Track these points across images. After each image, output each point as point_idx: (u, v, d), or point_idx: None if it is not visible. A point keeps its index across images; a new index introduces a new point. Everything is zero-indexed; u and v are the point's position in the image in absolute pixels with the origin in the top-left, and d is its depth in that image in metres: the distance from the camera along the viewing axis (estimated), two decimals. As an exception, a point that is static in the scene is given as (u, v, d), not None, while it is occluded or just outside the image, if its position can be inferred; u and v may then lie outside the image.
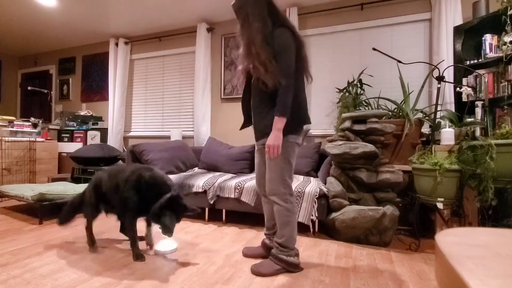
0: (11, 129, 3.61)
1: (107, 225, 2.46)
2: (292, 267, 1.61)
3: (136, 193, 1.74)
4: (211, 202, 2.57)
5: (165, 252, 1.88)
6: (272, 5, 1.57)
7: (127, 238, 2.02)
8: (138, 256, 1.77)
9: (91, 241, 1.94)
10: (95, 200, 1.89)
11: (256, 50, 1.48)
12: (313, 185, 2.38)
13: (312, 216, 2.24)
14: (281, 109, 1.47)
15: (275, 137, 1.49)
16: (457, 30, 2.64)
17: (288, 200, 1.60)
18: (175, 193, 1.68)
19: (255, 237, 2.25)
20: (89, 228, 1.94)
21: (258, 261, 1.73)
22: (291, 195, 1.61)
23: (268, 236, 1.81)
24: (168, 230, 1.64)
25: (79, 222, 2.50)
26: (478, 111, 2.35)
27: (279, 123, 1.48)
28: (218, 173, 2.99)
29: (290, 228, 1.59)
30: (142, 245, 1.97)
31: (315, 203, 2.24)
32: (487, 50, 2.34)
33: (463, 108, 2.46)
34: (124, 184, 1.77)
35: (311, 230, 2.28)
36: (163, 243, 1.99)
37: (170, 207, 1.66)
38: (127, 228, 1.81)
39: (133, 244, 1.80)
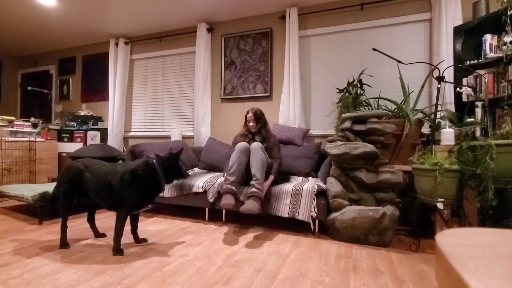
0: (11, 129, 3.61)
1: (107, 225, 2.47)
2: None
3: (135, 190, 1.81)
4: (211, 201, 2.57)
5: None
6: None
7: (134, 241, 2.05)
8: (118, 250, 1.82)
9: (64, 243, 1.92)
10: (71, 193, 1.89)
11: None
12: (310, 183, 2.39)
13: (312, 212, 2.25)
14: None
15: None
16: (457, 30, 2.64)
17: None
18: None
19: (255, 236, 2.25)
20: (64, 226, 1.92)
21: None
22: None
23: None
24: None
25: (79, 222, 2.50)
26: (478, 111, 2.35)
27: None
28: (218, 173, 2.99)
29: None
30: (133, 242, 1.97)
31: (314, 199, 2.25)
32: (487, 50, 2.34)
33: (463, 108, 2.46)
34: (122, 181, 1.80)
35: (312, 229, 2.29)
36: None
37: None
38: (119, 222, 1.83)
39: (117, 238, 1.84)
